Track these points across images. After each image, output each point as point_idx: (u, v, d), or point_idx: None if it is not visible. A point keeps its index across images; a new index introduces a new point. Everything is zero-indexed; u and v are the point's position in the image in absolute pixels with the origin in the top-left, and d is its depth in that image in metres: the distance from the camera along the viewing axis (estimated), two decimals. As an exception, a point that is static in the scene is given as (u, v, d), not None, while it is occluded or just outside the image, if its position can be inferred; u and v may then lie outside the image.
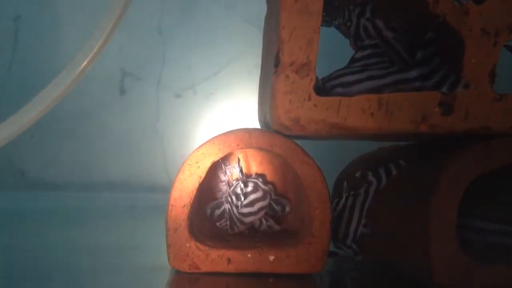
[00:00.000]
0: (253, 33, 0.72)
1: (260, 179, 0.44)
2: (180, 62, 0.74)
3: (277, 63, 0.36)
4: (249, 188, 0.41)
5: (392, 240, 0.40)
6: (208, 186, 0.45)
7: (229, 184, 0.43)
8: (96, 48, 0.50)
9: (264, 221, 0.43)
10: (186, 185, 0.38)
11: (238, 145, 0.39)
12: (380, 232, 0.40)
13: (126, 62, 0.73)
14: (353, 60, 0.39)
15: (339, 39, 0.49)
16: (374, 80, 0.37)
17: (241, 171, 0.42)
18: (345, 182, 0.43)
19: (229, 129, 0.40)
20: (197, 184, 0.39)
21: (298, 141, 0.40)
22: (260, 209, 0.42)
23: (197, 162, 0.39)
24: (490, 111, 0.35)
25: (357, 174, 0.41)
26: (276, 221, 0.44)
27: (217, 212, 0.44)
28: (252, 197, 0.41)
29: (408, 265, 0.38)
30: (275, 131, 0.39)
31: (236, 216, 0.41)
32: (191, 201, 0.39)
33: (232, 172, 0.44)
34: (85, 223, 0.60)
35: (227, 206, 0.43)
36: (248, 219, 0.41)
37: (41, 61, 0.71)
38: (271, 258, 0.38)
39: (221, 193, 0.44)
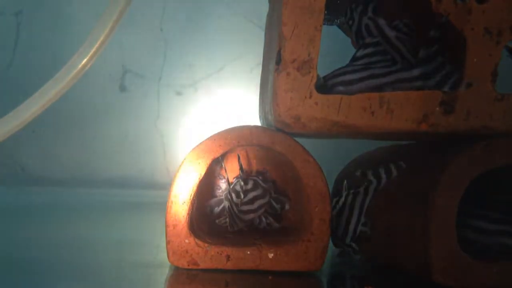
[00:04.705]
0: (254, 31, 0.72)
1: (260, 177, 0.44)
2: (181, 60, 0.74)
3: (278, 60, 0.36)
4: (249, 186, 0.41)
5: (391, 239, 0.40)
6: (208, 183, 0.45)
7: (228, 182, 0.43)
8: (97, 44, 0.50)
9: (263, 218, 0.43)
10: (186, 181, 0.38)
11: (238, 142, 0.39)
12: (380, 230, 0.40)
13: (127, 59, 0.74)
14: (354, 58, 0.39)
15: (341, 37, 0.49)
16: (375, 78, 0.37)
17: (241, 168, 0.42)
18: (345, 180, 0.43)
19: (230, 126, 0.40)
20: (197, 181, 0.39)
21: (299, 139, 0.40)
22: (259, 207, 0.42)
23: (197, 159, 0.39)
24: (491, 110, 0.35)
25: (357, 173, 0.41)
26: (275, 218, 0.44)
27: (217, 209, 0.44)
28: (252, 194, 0.41)
29: (407, 264, 0.38)
30: (276, 129, 0.39)
31: (235, 214, 0.41)
32: (191, 198, 0.38)
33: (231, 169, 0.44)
34: (85, 219, 0.60)
35: (226, 203, 0.43)
36: (247, 217, 0.41)
37: (42, 56, 0.71)
38: (270, 255, 0.38)
39: (221, 190, 0.44)
